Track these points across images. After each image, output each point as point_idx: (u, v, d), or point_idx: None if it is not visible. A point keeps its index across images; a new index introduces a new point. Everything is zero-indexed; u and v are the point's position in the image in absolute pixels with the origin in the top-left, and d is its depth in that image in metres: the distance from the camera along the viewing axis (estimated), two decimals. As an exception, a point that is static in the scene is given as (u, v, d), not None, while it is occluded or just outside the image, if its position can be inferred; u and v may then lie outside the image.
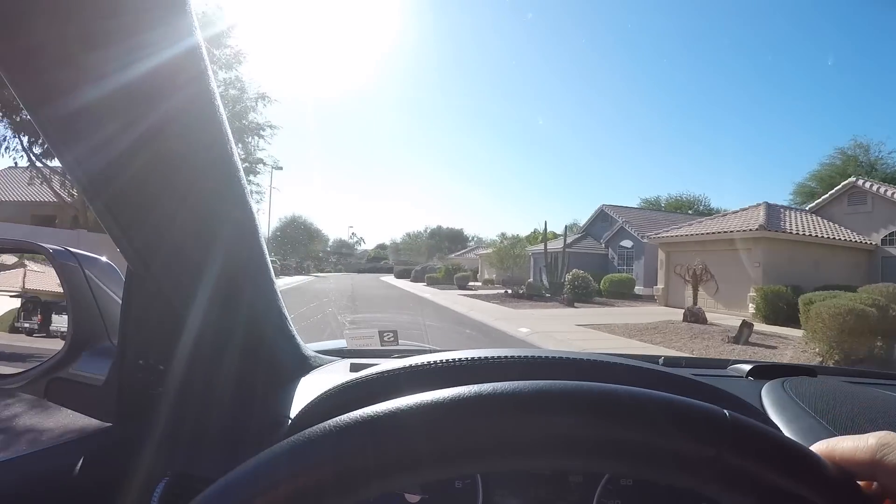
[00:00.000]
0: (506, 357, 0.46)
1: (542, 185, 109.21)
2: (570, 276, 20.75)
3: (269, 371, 0.71)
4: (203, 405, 0.65)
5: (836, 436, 0.34)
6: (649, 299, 20.99)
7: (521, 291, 22.05)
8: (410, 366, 0.53)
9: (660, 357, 1.20)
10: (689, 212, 40.36)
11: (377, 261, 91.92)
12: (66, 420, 0.82)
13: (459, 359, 0.46)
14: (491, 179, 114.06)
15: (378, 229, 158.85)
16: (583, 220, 31.32)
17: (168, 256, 0.55)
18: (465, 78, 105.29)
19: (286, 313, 0.73)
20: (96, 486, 0.61)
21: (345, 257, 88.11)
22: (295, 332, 0.77)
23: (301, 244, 56.88)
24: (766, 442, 0.32)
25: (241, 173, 0.59)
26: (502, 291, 24.26)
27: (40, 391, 0.73)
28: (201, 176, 0.53)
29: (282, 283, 27.37)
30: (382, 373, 0.54)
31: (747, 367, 1.03)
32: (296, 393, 0.70)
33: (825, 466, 0.32)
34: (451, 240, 65.17)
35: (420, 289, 29.29)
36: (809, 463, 0.32)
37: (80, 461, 0.61)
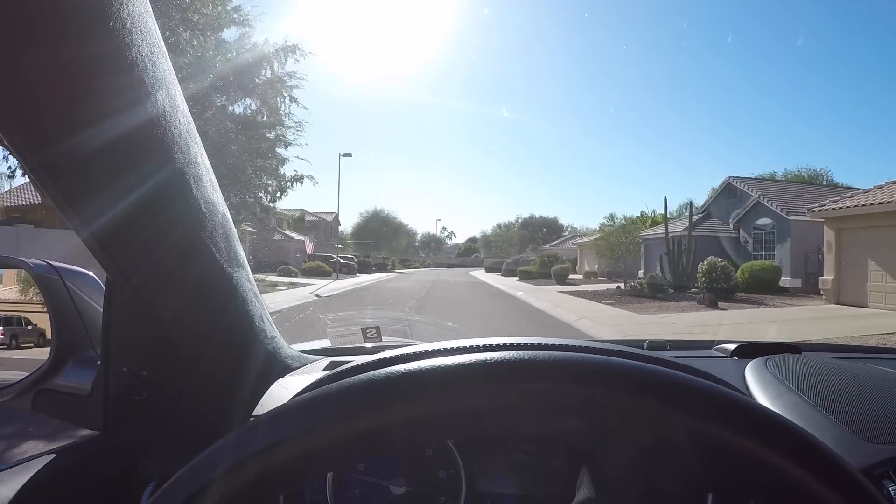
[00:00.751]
0: (486, 346, 0.45)
1: (638, 168, 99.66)
2: (704, 266, 15.70)
3: (247, 374, 0.71)
4: (184, 409, 0.66)
5: (818, 412, 0.43)
6: (800, 293, 16.68)
7: (637, 286, 17.56)
8: (381, 359, 0.55)
9: (644, 341, 1.22)
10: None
11: (468, 254, 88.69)
12: (55, 430, 0.72)
13: (431, 350, 0.46)
14: (583, 165, 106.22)
15: (468, 223, 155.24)
16: (695, 201, 24.79)
17: (147, 266, 0.55)
18: (548, 58, 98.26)
19: (267, 316, 0.74)
20: (86, 493, 0.62)
21: (434, 252, 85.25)
22: (276, 334, 0.78)
23: (384, 239, 53.99)
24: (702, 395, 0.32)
25: (212, 176, 0.60)
26: (613, 287, 19.81)
27: (27, 403, 0.74)
28: (177, 186, 0.53)
29: (347, 283, 24.28)
30: (353, 368, 0.55)
31: (732, 347, 1.05)
32: (268, 394, 0.72)
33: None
34: (545, 229, 60.40)
35: (511, 284, 25.01)
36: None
37: (70, 470, 0.62)
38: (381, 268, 51.74)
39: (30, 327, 0.88)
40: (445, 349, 0.54)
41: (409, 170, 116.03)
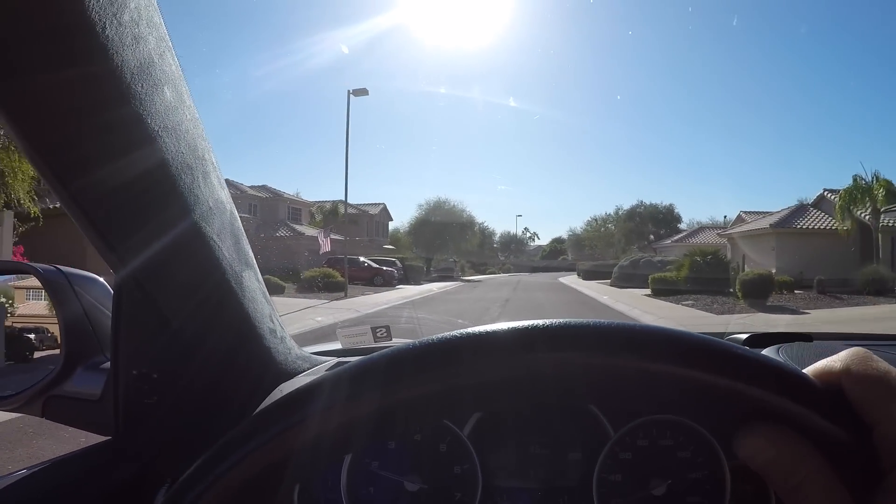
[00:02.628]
0: (489, 332, 0.40)
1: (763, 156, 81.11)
2: None
3: (256, 374, 0.72)
4: (195, 411, 0.67)
5: None
6: None
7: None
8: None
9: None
10: None
11: (553, 257, 76.32)
12: (66, 435, 0.82)
13: (431, 341, 0.42)
14: (690, 152, 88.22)
15: (551, 223, 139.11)
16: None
17: (155, 265, 0.55)
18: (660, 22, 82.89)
19: (276, 316, 0.74)
20: (98, 498, 0.63)
21: (514, 254, 73.12)
22: (286, 335, 0.78)
23: (450, 238, 42.59)
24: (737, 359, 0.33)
25: (220, 174, 0.61)
26: None
27: (38, 410, 0.75)
28: (185, 183, 0.53)
29: (359, 304, 14.99)
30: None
31: (743, 337, 1.06)
32: (276, 394, 0.73)
33: (810, 381, 0.33)
34: (657, 222, 44.56)
35: (672, 313, 12.97)
36: (795, 380, 0.33)
37: (82, 475, 0.64)
38: (446, 274, 40.66)
39: (49, 333, 0.85)
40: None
41: (484, 168, 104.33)
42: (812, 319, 11.52)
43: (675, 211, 44.89)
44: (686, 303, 14.61)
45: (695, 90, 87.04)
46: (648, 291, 18.39)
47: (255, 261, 0.68)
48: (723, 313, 12.60)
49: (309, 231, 29.36)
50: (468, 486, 0.61)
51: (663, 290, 17.35)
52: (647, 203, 44.91)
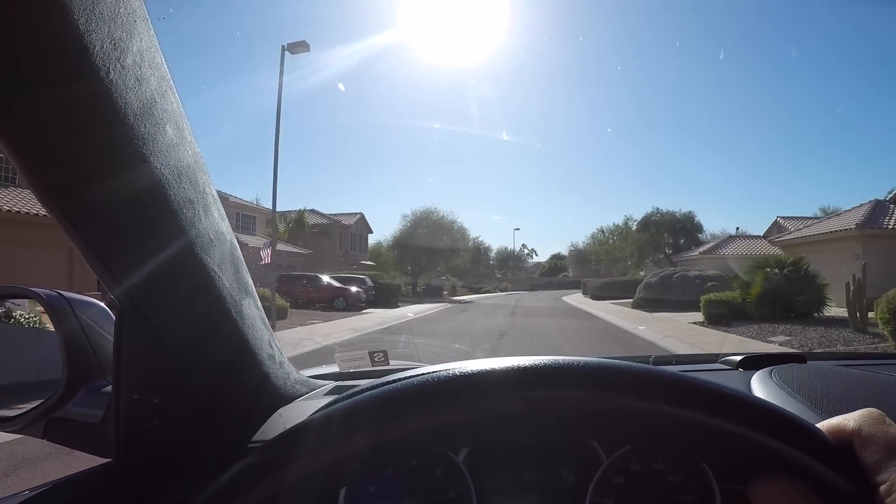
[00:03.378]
0: (484, 371, 0.42)
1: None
2: None
3: (256, 399, 0.73)
4: (195, 435, 0.68)
5: (822, 418, 0.47)
6: None
7: None
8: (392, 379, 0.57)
9: (650, 356, 1.27)
10: None
11: (553, 274, 71.35)
12: (67, 458, 0.88)
13: (430, 373, 0.44)
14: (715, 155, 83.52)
15: (550, 239, 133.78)
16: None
17: (158, 294, 0.57)
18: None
19: (275, 341, 0.76)
20: None
21: (512, 271, 68.07)
22: (284, 360, 0.80)
23: (439, 253, 37.38)
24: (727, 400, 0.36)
25: (220, 206, 0.63)
26: None
27: (39, 432, 0.76)
28: (186, 217, 0.55)
29: (319, 331, 12.32)
30: (358, 391, 0.58)
31: (738, 359, 1.07)
32: (276, 418, 0.74)
33: (825, 437, 0.36)
34: (675, 231, 37.82)
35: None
36: (811, 435, 0.36)
37: (82, 499, 0.64)
38: (433, 294, 35.47)
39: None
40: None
41: (478, 184, 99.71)
42: None
43: (696, 219, 38.57)
44: (776, 338, 9.60)
45: (696, 101, 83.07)
46: (697, 317, 13.38)
47: (254, 289, 0.71)
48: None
49: (255, 242, 24.18)
50: None
51: (721, 316, 12.34)
52: (664, 210, 38.78)
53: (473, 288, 47.52)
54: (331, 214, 36.34)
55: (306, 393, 0.83)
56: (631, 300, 21.04)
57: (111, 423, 0.66)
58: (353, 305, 19.87)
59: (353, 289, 21.15)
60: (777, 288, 12.08)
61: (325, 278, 21.39)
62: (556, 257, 74.92)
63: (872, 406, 0.79)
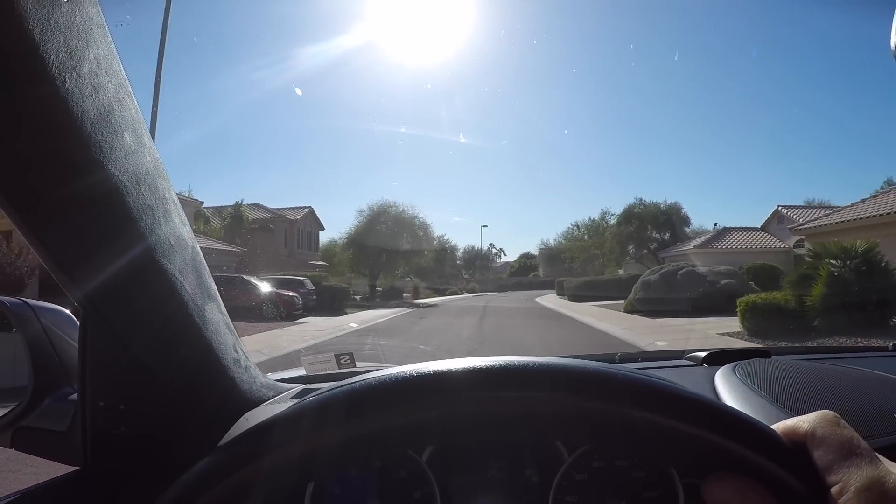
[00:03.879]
0: (448, 370, 0.44)
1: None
2: None
3: (221, 404, 0.73)
4: (161, 441, 0.68)
5: (784, 412, 0.54)
6: None
7: None
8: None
9: (616, 354, 1.30)
10: None
11: (523, 273, 68.25)
12: (35, 468, 0.93)
13: (394, 375, 0.46)
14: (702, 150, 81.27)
15: (517, 239, 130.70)
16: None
17: (119, 301, 0.58)
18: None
19: (240, 346, 0.76)
20: None
21: (480, 271, 64.83)
22: (250, 364, 0.80)
23: (399, 252, 33.57)
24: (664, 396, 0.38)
25: (181, 211, 0.64)
26: None
27: (6, 441, 0.76)
28: (146, 222, 0.56)
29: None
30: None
31: (703, 355, 1.11)
32: (241, 423, 0.74)
33: (779, 439, 0.37)
34: (659, 225, 33.91)
35: None
36: (766, 437, 0.37)
37: None
38: (393, 296, 31.70)
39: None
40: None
41: (443, 185, 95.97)
42: None
43: (683, 211, 34.37)
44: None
45: (675, 88, 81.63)
46: (727, 325, 10.11)
47: (217, 293, 0.71)
48: None
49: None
50: None
51: (769, 326, 9.10)
52: (647, 202, 34.95)
53: (439, 289, 44.02)
54: (275, 209, 32.20)
55: (273, 396, 0.83)
56: (615, 301, 17.91)
57: (78, 430, 0.66)
58: (285, 314, 15.98)
59: (287, 293, 17.33)
60: (847, 286, 8.91)
61: (253, 280, 17.39)
62: (526, 256, 72.07)
63: (833, 399, 0.79)
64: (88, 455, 0.65)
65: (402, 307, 24.20)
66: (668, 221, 33.23)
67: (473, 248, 63.99)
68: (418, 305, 26.42)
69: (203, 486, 0.38)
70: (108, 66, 0.48)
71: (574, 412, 0.38)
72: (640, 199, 34.94)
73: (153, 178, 0.56)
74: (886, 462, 0.35)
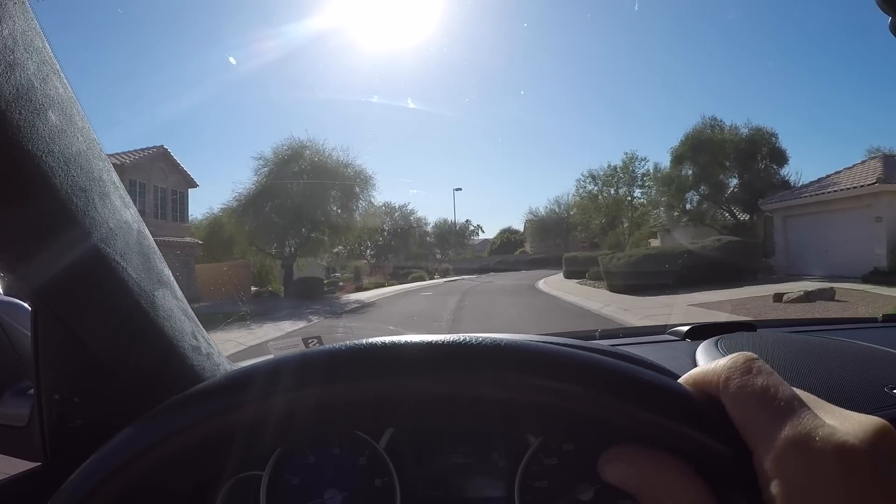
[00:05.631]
0: (397, 344, 0.42)
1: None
2: None
3: (175, 393, 0.68)
4: (114, 434, 0.66)
5: None
6: None
7: None
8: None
9: (597, 330, 1.27)
10: None
11: (507, 250, 55.95)
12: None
13: (348, 346, 0.44)
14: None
15: (495, 218, 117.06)
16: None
17: (60, 292, 0.56)
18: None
19: (201, 332, 0.74)
20: None
21: (454, 248, 53.02)
22: (213, 350, 0.77)
23: (323, 216, 21.24)
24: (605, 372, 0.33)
25: (123, 193, 0.62)
26: None
27: None
28: (78, 206, 0.54)
29: None
30: None
31: (685, 329, 1.08)
32: None
33: (682, 393, 0.32)
34: (743, 161, 19.72)
35: None
36: (663, 392, 0.32)
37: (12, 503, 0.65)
38: (310, 292, 19.65)
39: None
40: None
41: (411, 162, 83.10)
42: None
43: (776, 142, 20.79)
44: None
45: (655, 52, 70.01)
46: None
47: (172, 278, 0.69)
48: None
49: None
50: (389, 498, 0.61)
51: None
52: (726, 125, 21.48)
53: (402, 273, 32.35)
54: (117, 153, 19.43)
55: None
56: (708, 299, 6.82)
57: (36, 425, 0.66)
58: None
59: None
60: None
61: None
62: (509, 231, 60.71)
63: (820, 373, 0.79)
64: (48, 451, 0.64)
65: (295, 317, 12.44)
66: (752, 158, 20.12)
67: (446, 221, 51.82)
68: (333, 312, 14.55)
69: (121, 460, 0.37)
70: (27, 42, 0.46)
71: (520, 394, 0.35)
72: (716, 119, 21.16)
73: (86, 160, 0.54)
74: (816, 404, 0.30)
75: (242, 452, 0.40)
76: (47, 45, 0.50)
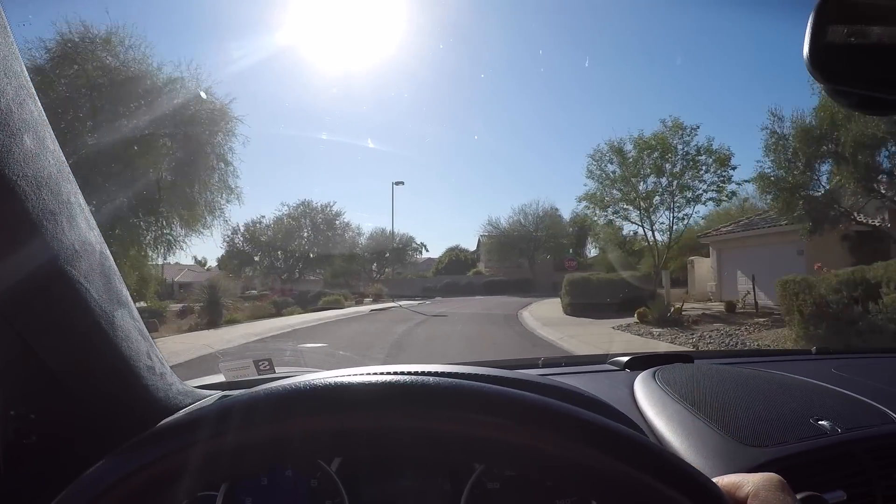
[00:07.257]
0: (357, 382, 0.43)
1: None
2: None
3: (133, 412, 0.72)
4: (73, 451, 0.68)
5: (701, 419, 0.52)
6: None
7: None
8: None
9: (540, 358, 1.25)
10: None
11: (456, 270, 46.37)
12: None
13: (307, 384, 0.45)
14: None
15: (440, 240, 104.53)
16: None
17: (24, 311, 0.56)
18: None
19: (156, 353, 0.75)
20: None
21: (393, 265, 42.87)
22: (166, 371, 0.78)
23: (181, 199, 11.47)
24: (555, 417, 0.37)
25: (88, 215, 0.62)
26: None
27: None
28: (47, 228, 0.53)
29: None
30: None
31: (625, 360, 1.08)
32: None
33: (720, 495, 0.35)
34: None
35: None
36: (709, 491, 0.35)
37: None
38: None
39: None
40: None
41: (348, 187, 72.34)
42: None
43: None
44: None
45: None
46: None
47: (130, 299, 0.69)
48: None
49: None
50: None
51: None
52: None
53: (308, 297, 22.29)
54: None
55: (191, 403, 0.81)
56: None
57: None
58: None
59: None
60: None
61: None
62: (456, 250, 51.20)
63: (752, 405, 0.78)
64: (2, 464, 0.64)
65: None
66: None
67: (384, 230, 41.65)
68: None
69: (98, 489, 0.38)
70: (7, 67, 0.46)
71: (426, 431, 0.37)
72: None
73: (56, 182, 0.54)
74: None
75: (196, 483, 0.40)
76: (24, 68, 0.49)
